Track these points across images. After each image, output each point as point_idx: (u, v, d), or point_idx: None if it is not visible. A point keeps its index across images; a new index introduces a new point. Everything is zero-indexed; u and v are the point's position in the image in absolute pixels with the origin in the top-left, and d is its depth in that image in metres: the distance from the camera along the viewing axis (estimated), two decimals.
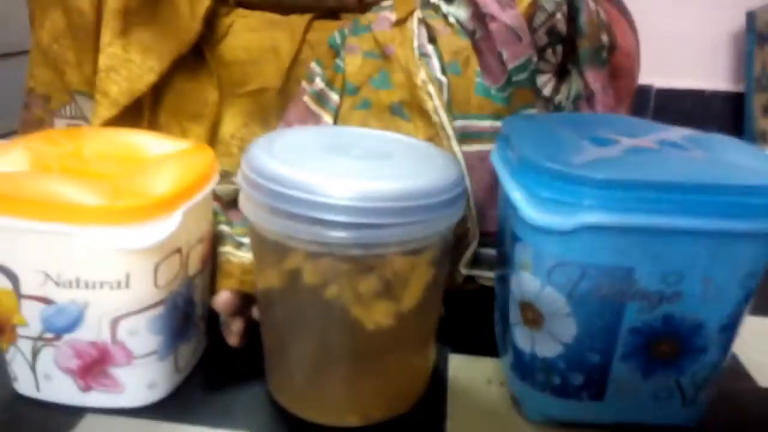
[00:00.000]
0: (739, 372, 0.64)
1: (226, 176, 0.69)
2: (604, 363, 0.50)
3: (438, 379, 0.60)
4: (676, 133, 0.57)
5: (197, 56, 0.72)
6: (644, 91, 1.49)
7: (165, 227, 0.48)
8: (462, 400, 0.58)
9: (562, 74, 0.71)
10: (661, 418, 0.54)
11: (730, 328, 0.50)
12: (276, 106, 0.73)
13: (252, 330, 0.60)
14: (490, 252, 0.69)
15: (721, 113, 1.52)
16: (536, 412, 0.55)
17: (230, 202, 0.69)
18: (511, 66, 0.65)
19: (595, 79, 0.72)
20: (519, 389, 0.56)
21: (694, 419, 0.55)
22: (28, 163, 0.52)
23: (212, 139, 0.72)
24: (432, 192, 0.47)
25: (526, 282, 0.51)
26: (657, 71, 1.46)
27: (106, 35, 0.70)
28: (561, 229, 0.46)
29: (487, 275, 0.70)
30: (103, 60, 0.69)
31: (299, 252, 0.48)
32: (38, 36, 0.75)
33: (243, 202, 0.51)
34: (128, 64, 0.69)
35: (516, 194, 0.49)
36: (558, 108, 0.70)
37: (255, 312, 0.59)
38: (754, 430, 0.56)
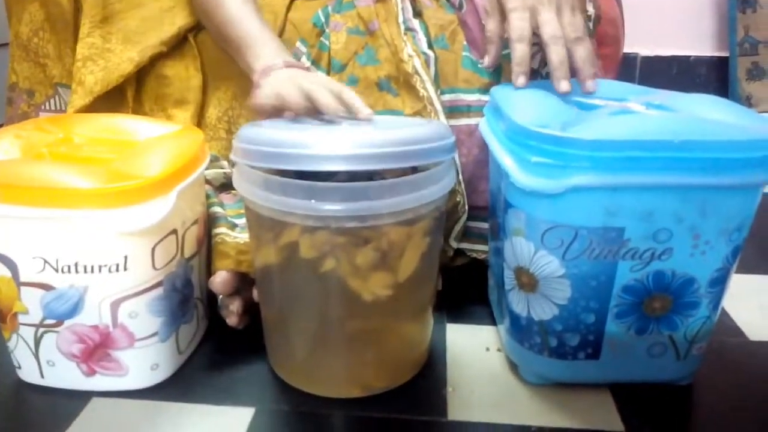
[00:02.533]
0: (730, 327, 0.66)
1: (215, 161, 0.69)
2: (599, 322, 0.52)
3: (437, 349, 0.62)
4: (661, 95, 0.58)
5: (180, 40, 0.72)
6: (630, 60, 1.49)
7: (160, 208, 0.49)
8: (461, 367, 0.59)
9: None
10: (657, 375, 0.55)
11: (719, 283, 0.51)
12: None
13: (251, 310, 0.61)
14: (480, 225, 0.70)
15: (706, 78, 1.53)
16: (534, 374, 0.57)
17: (221, 186, 0.70)
18: None
19: None
20: (516, 353, 0.57)
21: (688, 374, 0.56)
22: (19, 151, 0.52)
23: (198, 123, 0.72)
24: (424, 138, 0.48)
25: (520, 247, 0.51)
26: (642, 40, 1.47)
27: (86, 25, 0.70)
28: (552, 192, 0.46)
29: (477, 248, 0.71)
30: (80, 49, 0.69)
31: (295, 227, 0.49)
32: (17, 30, 0.74)
33: (237, 181, 0.51)
34: (106, 54, 0.69)
35: (506, 160, 0.50)
36: (546, 78, 0.71)
37: (254, 293, 0.59)
38: (746, 382, 0.58)
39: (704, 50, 1.53)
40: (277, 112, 0.59)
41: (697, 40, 1.52)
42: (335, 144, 0.46)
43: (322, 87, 0.57)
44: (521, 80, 0.57)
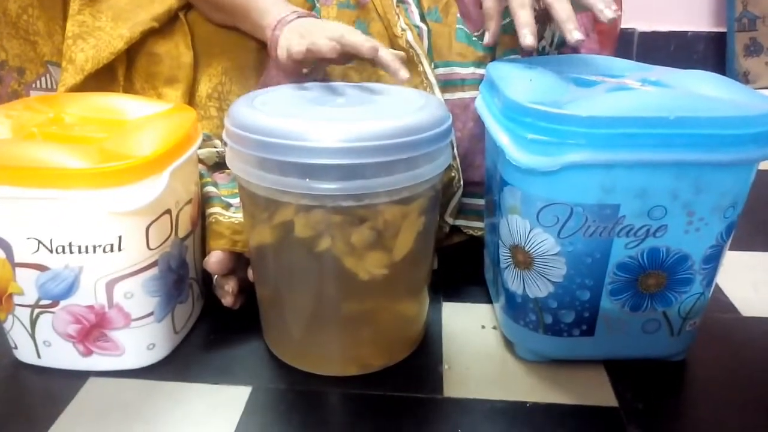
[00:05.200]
0: (723, 303, 0.66)
1: (207, 140, 0.69)
2: (594, 299, 0.52)
3: (433, 327, 0.62)
4: (657, 71, 0.57)
5: (171, 18, 0.71)
6: (627, 35, 1.48)
7: (153, 188, 0.48)
8: (457, 345, 0.59)
9: (545, 20, 0.70)
10: (651, 351, 0.56)
11: (713, 259, 0.51)
12: (254, 61, 0.72)
13: (246, 290, 0.61)
14: (476, 202, 0.70)
15: (704, 54, 1.52)
16: (529, 351, 0.57)
17: (214, 165, 0.69)
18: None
19: (578, 23, 0.72)
20: (512, 331, 0.58)
21: (681, 350, 0.56)
22: (10, 131, 0.52)
23: (189, 102, 0.72)
24: (420, 128, 0.47)
25: (516, 225, 0.51)
26: (639, 15, 1.46)
27: (75, 2, 0.69)
28: (548, 170, 0.46)
29: (474, 225, 0.71)
30: (70, 27, 0.68)
31: (290, 206, 0.48)
32: (4, 7, 0.73)
33: (231, 160, 0.51)
34: (97, 32, 0.68)
35: (502, 138, 0.49)
36: (542, 54, 0.70)
37: (249, 273, 0.59)
38: (739, 358, 0.58)
39: (702, 26, 1.52)
40: (295, 67, 0.59)
41: (694, 16, 1.51)
42: (330, 136, 0.45)
43: (323, 37, 0.56)
44: (530, 39, 0.56)
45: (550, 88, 0.51)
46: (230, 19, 0.69)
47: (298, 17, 0.61)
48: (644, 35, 1.51)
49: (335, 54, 0.55)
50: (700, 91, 0.50)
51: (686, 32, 1.51)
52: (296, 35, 0.59)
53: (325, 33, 0.56)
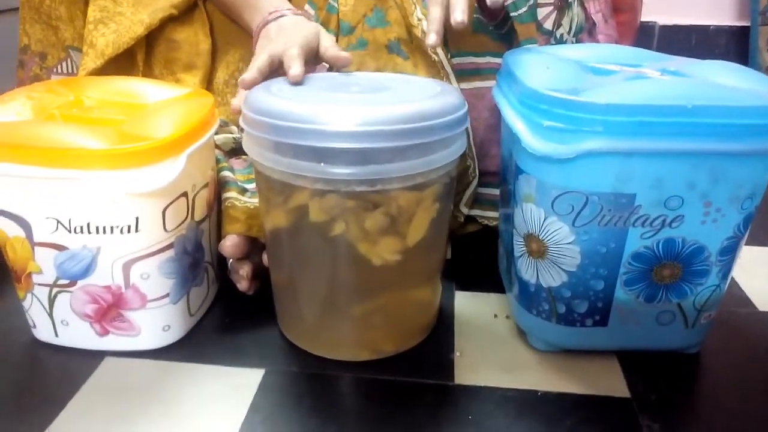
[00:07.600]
0: (739, 298, 0.66)
1: (224, 125, 0.69)
2: (608, 289, 0.51)
3: (445, 315, 0.62)
4: (677, 61, 0.57)
5: (190, 6, 0.71)
6: (647, 29, 1.46)
7: (170, 170, 0.49)
8: (469, 333, 0.59)
9: (563, 6, 0.70)
10: (664, 343, 0.55)
11: (730, 251, 0.50)
12: None
13: (261, 275, 0.61)
14: (492, 192, 0.70)
15: (726, 48, 1.50)
16: (542, 341, 0.57)
17: (231, 151, 0.70)
18: (508, 2, 0.65)
19: (596, 9, 0.71)
20: (525, 320, 0.58)
21: (696, 343, 0.56)
22: (31, 112, 0.53)
23: (207, 88, 0.72)
24: (435, 113, 0.47)
25: (530, 213, 0.51)
26: (660, 8, 1.44)
27: None
28: (564, 157, 0.46)
29: (489, 215, 0.71)
30: (91, 12, 0.69)
31: (304, 190, 0.49)
32: None
33: (247, 145, 0.51)
34: (117, 17, 0.68)
35: (518, 125, 0.49)
36: (560, 42, 0.70)
37: (264, 258, 0.60)
38: (754, 351, 0.58)
39: (724, 19, 1.49)
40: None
41: (717, 9, 1.49)
42: (344, 120, 0.45)
43: (296, 50, 0.56)
44: (432, 39, 0.54)
45: (567, 75, 0.50)
46: (235, 19, 0.69)
47: (278, 17, 0.62)
48: (665, 29, 1.49)
49: (262, 77, 0.56)
50: (719, 81, 0.50)
51: (708, 26, 1.49)
52: (264, 43, 0.60)
53: (276, 47, 0.57)
